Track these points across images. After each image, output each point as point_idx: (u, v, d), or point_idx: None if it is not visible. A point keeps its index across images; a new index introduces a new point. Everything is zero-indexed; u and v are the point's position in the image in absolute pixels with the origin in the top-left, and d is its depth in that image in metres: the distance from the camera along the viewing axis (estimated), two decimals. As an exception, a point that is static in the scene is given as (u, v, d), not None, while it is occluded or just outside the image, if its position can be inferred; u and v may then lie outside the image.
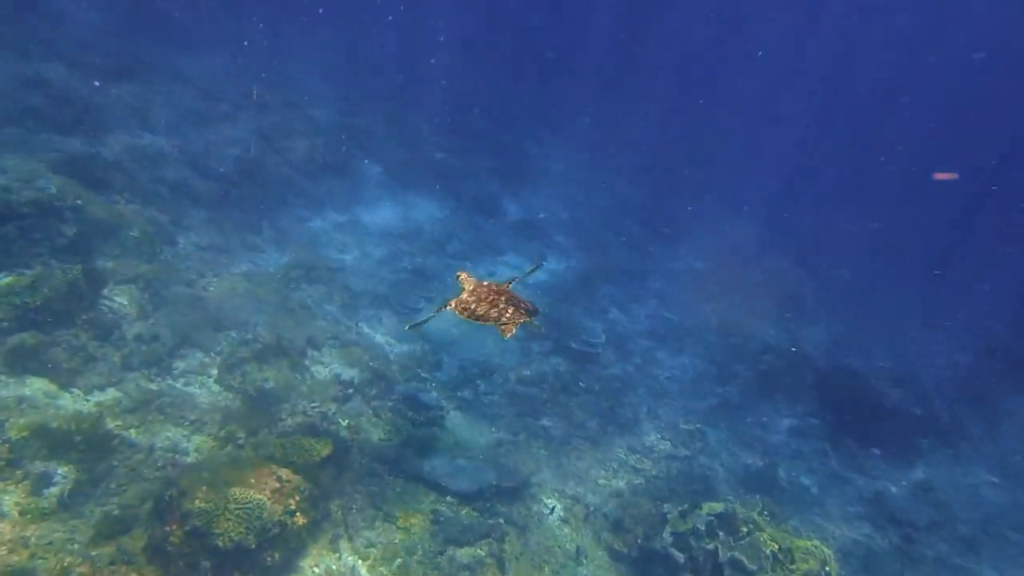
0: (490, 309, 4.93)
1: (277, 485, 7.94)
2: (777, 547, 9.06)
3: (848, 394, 15.78)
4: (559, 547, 9.87)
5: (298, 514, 7.93)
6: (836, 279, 24.53)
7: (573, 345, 14.06)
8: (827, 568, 8.95)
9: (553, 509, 10.33)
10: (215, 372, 10.54)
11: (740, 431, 14.20)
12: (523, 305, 5.06)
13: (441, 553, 8.98)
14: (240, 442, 9.39)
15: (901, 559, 12.36)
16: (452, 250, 16.71)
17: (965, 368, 20.88)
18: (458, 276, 5.55)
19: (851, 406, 15.65)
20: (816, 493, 13.33)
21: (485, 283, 5.29)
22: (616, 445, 12.35)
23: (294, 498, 7.96)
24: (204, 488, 7.52)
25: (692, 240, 23.37)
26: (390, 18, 29.65)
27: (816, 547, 9.22)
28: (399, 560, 8.70)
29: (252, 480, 7.83)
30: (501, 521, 9.79)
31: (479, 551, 9.25)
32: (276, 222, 15.09)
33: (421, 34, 31.84)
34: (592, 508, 10.69)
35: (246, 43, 22.09)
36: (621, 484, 11.46)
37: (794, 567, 8.94)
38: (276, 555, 7.62)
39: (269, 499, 7.72)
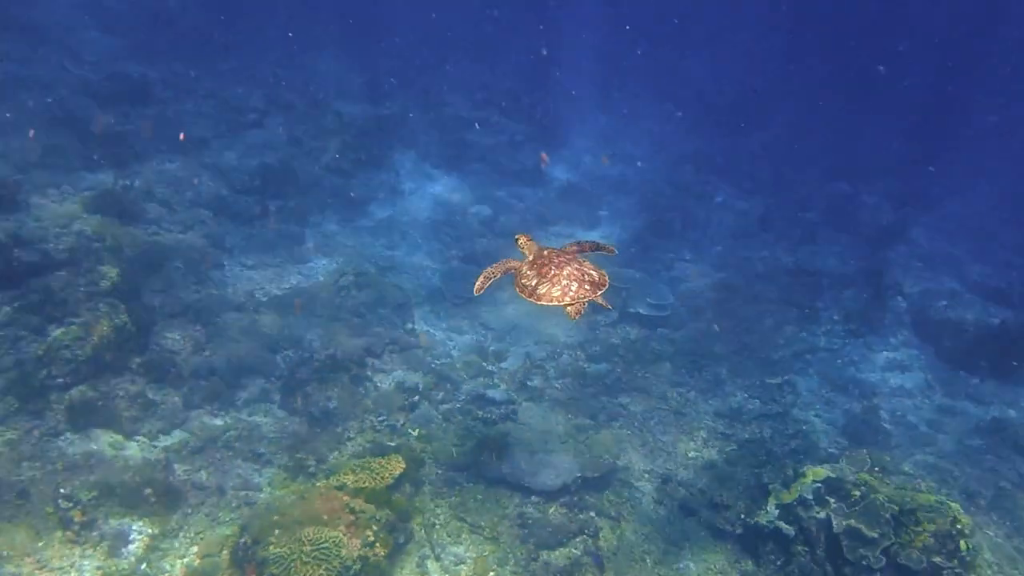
0: (552, 288, 4.22)
1: (351, 517, 7.57)
2: (897, 508, 8.21)
3: (948, 319, 14.51)
4: (657, 533, 9.28)
5: (377, 545, 7.56)
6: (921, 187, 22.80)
7: (640, 310, 13.26)
8: (958, 525, 8.05)
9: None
10: (277, 397, 10.27)
11: (832, 375, 13.21)
12: (588, 276, 4.32)
13: (535, 559, 8.51)
14: (311, 469, 9.11)
15: (1033, 492, 11.29)
16: (500, 228, 16.00)
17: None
18: (517, 240, 4.86)
19: (950, 331, 14.40)
20: (926, 431, 12.30)
21: (546, 250, 4.56)
22: (702, 412, 11.60)
23: (371, 528, 7.58)
24: (277, 532, 7.21)
25: (748, 177, 22.00)
26: None
27: (940, 502, 8.32)
28: (492, 573, 8.28)
29: (324, 516, 7.48)
30: (592, 515, 9.25)
31: (574, 550, 8.75)
32: (319, 228, 14.70)
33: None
34: (686, 485, 10.03)
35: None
36: (713, 454, 10.74)
37: (920, 528, 8.08)
38: (362, 591, 7.29)
39: (345, 534, 7.36)
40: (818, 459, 10.68)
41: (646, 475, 10.20)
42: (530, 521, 8.91)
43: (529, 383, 11.33)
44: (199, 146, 15.44)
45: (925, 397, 13.20)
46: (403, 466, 8.73)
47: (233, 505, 8.46)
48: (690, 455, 10.69)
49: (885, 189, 22.59)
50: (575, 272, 4.30)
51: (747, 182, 22.21)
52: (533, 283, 4.30)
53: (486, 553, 8.50)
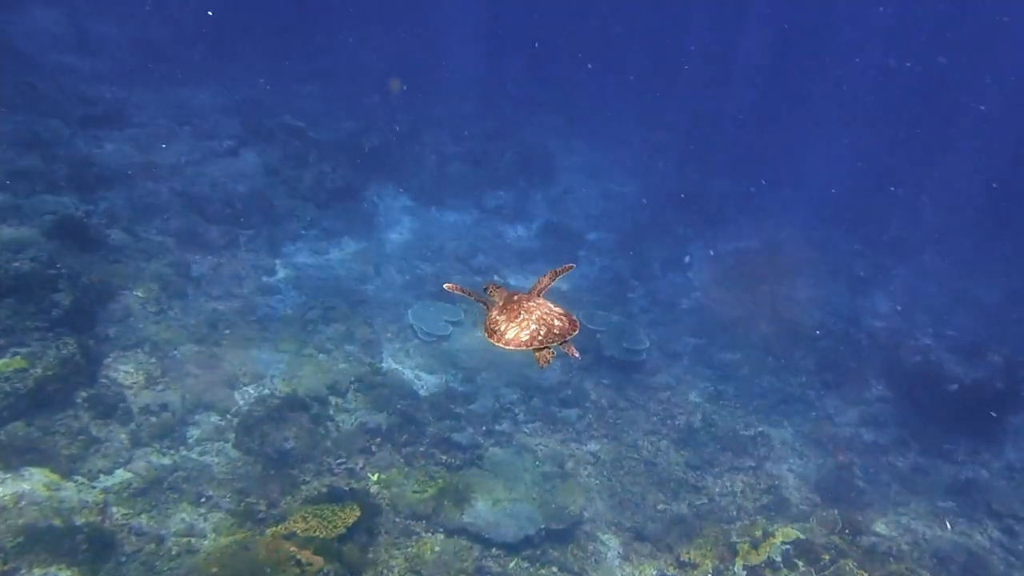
0: (520, 332, 4.09)
1: (297, 571, 7.14)
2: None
3: (920, 374, 14.37)
4: (622, 592, 8.90)
5: (325, 599, 7.12)
6: (888, 245, 22.92)
7: (614, 355, 12.99)
8: (932, 597, 7.77)
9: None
10: (232, 436, 9.82)
11: (805, 428, 12.97)
12: (558, 323, 4.18)
13: (491, 618, 8.09)
14: (261, 515, 8.64)
15: (1006, 556, 11.04)
16: (477, 265, 15.77)
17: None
18: (486, 289, 4.69)
19: (925, 387, 14.25)
20: (899, 490, 12.05)
21: (516, 296, 4.45)
22: (673, 463, 11.28)
23: (318, 582, 7.14)
24: (215, 585, 6.76)
25: (732, 223, 21.97)
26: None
27: (912, 571, 8.04)
28: (445, 632, 7.84)
29: (268, 569, 7.04)
30: (555, 570, 8.86)
31: (533, 609, 8.34)
32: (291, 258, 14.37)
33: (430, 38, 31.07)
34: (654, 540, 9.66)
35: (262, 81, 21.45)
36: (683, 508, 10.40)
37: (892, 599, 7.79)
38: (303, 652, 6.83)
39: (290, 589, 6.92)
40: (789, 516, 10.41)
41: (612, 528, 9.83)
42: (489, 576, 8.50)
43: (497, 427, 10.98)
44: (171, 173, 15.13)
45: (899, 454, 12.98)
46: (357, 514, 8.32)
47: (173, 553, 7.96)
48: (659, 507, 10.34)
49: (866, 236, 22.72)
50: (544, 317, 4.17)
51: (731, 226, 22.21)
52: (501, 328, 4.20)
53: (441, 611, 8.07)
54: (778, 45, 34.90)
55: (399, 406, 10.78)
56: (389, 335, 12.60)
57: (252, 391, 10.57)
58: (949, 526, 11.30)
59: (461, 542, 8.89)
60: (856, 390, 14.56)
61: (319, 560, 7.32)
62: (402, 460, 9.87)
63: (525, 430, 11.07)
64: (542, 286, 4.65)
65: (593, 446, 11.13)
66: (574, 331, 4.20)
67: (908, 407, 14.14)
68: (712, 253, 19.91)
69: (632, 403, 12.24)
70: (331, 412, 10.52)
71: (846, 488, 11.57)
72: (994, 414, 13.63)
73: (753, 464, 11.47)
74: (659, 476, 10.86)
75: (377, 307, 13.33)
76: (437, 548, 8.72)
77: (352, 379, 11.15)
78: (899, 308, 18.90)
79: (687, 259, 18.26)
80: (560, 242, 17.81)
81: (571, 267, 4.85)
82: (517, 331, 4.11)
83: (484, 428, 10.84)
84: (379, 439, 10.08)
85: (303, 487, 9.21)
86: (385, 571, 8.29)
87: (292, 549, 7.39)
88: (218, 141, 16.55)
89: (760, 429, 12.31)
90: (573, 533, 9.47)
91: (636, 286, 16.81)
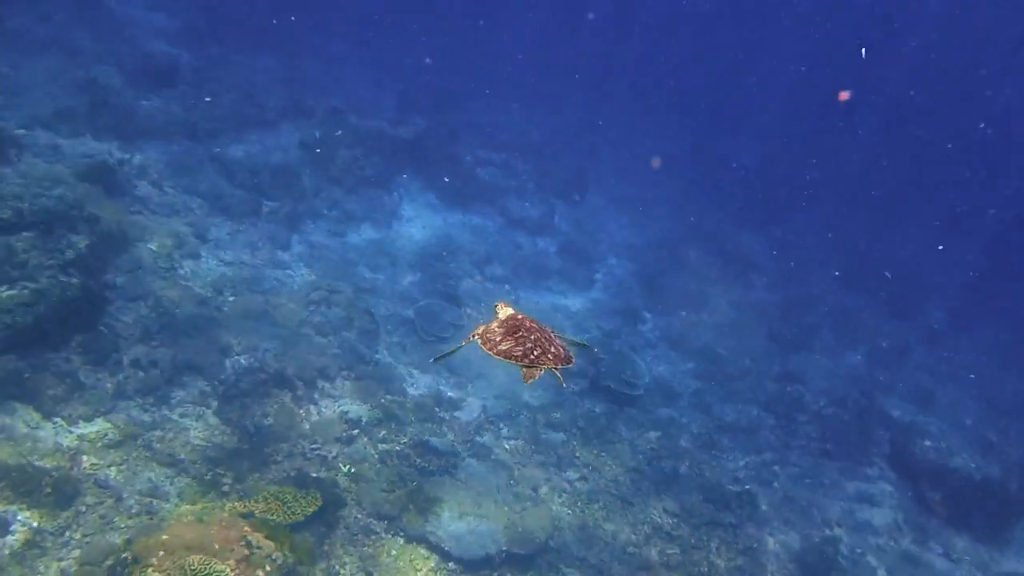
0: (515, 346, 4.18)
1: (246, 552, 7.05)
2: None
3: (927, 460, 13.86)
4: (574, 630, 8.67)
5: (268, 585, 7.02)
6: (920, 326, 22.24)
7: (611, 384, 12.77)
8: None
9: None
10: (215, 403, 9.81)
11: (797, 495, 12.57)
12: (553, 350, 4.26)
13: (434, 633, 7.93)
14: (225, 488, 8.61)
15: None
16: (491, 273, 15.67)
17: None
18: (495, 306, 4.77)
19: (930, 474, 13.74)
20: None
21: (521, 315, 4.52)
22: (651, 505, 11.00)
23: (264, 568, 7.05)
24: (161, 554, 6.70)
25: (759, 270, 21.56)
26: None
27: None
28: (384, 639, 7.70)
29: (217, 546, 6.97)
30: (509, 596, 8.67)
31: (479, 632, 8.16)
32: (308, 236, 14.42)
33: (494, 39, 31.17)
34: (616, 583, 9.42)
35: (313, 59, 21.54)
36: (653, 554, 10.13)
37: None
38: (235, 636, 6.74)
39: (234, 569, 6.84)
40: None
41: (577, 563, 9.60)
42: (441, 590, 8.34)
43: (478, 438, 10.83)
44: (209, 135, 15.31)
45: (891, 539, 12.51)
46: (319, 504, 8.25)
47: (133, 511, 7.96)
48: (629, 550, 10.08)
49: (902, 312, 22.09)
50: (543, 339, 4.28)
51: (753, 273, 21.79)
52: (497, 338, 4.29)
53: (385, 616, 7.93)
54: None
55: (384, 400, 10.69)
56: (389, 328, 12.55)
57: (243, 361, 10.57)
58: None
59: (419, 551, 8.75)
60: (856, 466, 14.10)
61: (270, 545, 7.23)
62: (376, 456, 9.77)
63: (506, 446, 10.91)
64: (552, 331, 4.67)
65: (572, 474, 10.91)
66: (567, 364, 4.25)
67: (909, 493, 13.66)
68: (730, 300, 19.57)
69: (620, 437, 12.00)
70: (316, 396, 10.47)
71: (827, 565, 11.17)
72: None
73: (734, 522, 11.14)
74: (634, 517, 10.60)
75: (383, 298, 13.30)
76: (393, 552, 8.59)
77: (343, 366, 11.10)
78: (917, 387, 18.32)
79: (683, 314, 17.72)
80: (578, 264, 17.64)
81: (585, 344, 4.95)
82: (512, 344, 4.20)
83: (465, 437, 10.69)
84: (357, 431, 10.00)
85: (273, 467, 9.17)
86: (337, 567, 8.18)
87: (246, 529, 7.32)
88: (260, 110, 16.70)
89: (748, 487, 11.97)
90: (536, 561, 9.26)
91: (648, 319, 16.55)
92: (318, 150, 15.62)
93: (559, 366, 4.21)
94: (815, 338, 18.80)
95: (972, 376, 19.93)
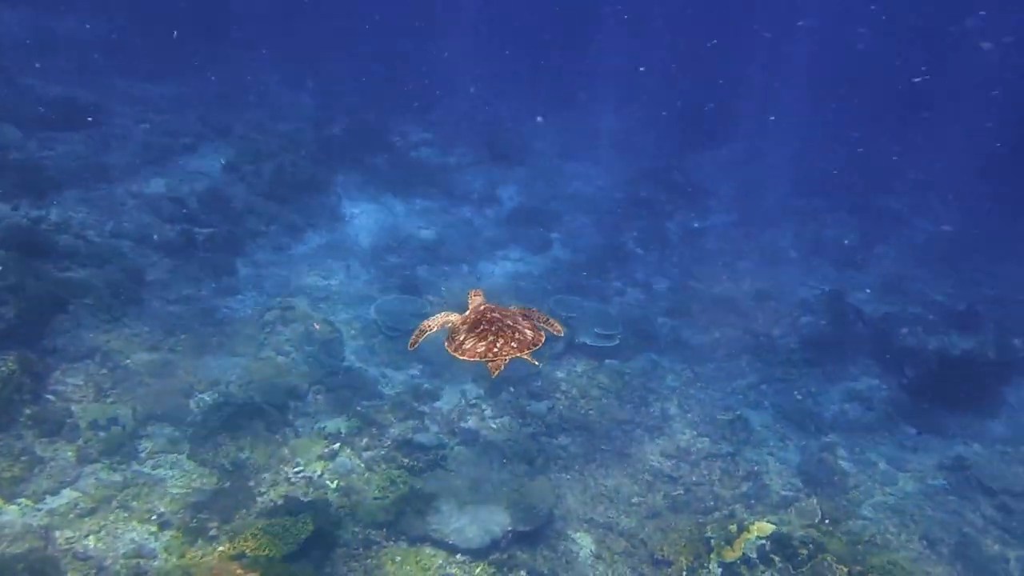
0: (477, 343, 4.25)
1: (242, 594, 6.80)
2: (846, 571, 7.60)
3: (908, 347, 14.02)
4: (594, 592, 8.60)
5: (272, 623, 6.79)
6: (872, 212, 22.43)
7: (587, 341, 12.62)
8: (911, 588, 7.47)
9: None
10: (187, 447, 9.44)
11: (788, 409, 12.63)
12: (519, 336, 4.31)
13: (454, 628, 7.79)
14: (213, 532, 8.29)
15: (1001, 534, 10.71)
16: (445, 254, 15.33)
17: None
18: (469, 293, 4.89)
19: (913, 360, 13.90)
20: (887, 469, 11.73)
21: (484, 306, 4.59)
22: (648, 452, 10.95)
23: (265, 605, 6.81)
24: (153, 616, 6.42)
25: (712, 196, 21.51)
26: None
27: (894, 564, 7.73)
28: (406, 646, 7.54)
29: (211, 595, 6.70)
30: (523, 574, 8.55)
31: (499, 617, 8.04)
32: (252, 257, 13.92)
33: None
34: (628, 536, 9.35)
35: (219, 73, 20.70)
36: (658, 500, 10.09)
37: (871, 593, 7.48)
38: None
39: (233, 614, 6.59)
40: (770, 504, 10.11)
41: (585, 525, 9.51)
42: (453, 585, 8.18)
43: (463, 424, 10.62)
44: (126, 173, 14.62)
45: (886, 431, 12.65)
46: (310, 528, 7.99)
47: (122, 576, 7.64)
48: (633, 501, 10.02)
49: (850, 206, 22.26)
50: (506, 330, 4.30)
51: (711, 200, 21.75)
52: (460, 337, 4.35)
53: (401, 624, 7.76)
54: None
55: (360, 407, 10.41)
56: (353, 332, 12.22)
57: (208, 399, 10.19)
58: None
59: (424, 550, 8.56)
60: (841, 367, 14.21)
61: (266, 581, 6.98)
62: (363, 465, 9.52)
63: (492, 426, 10.72)
64: (522, 311, 4.77)
65: (564, 439, 10.79)
66: (536, 345, 4.33)
67: (895, 382, 13.80)
68: (695, 226, 19.51)
69: (605, 391, 11.88)
70: (290, 417, 10.15)
71: (829, 471, 11.25)
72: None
73: (731, 450, 11.15)
74: (632, 467, 10.54)
75: (341, 303, 12.93)
76: (398, 558, 8.39)
77: (312, 381, 10.77)
78: (886, 277, 18.51)
79: (639, 251, 17.45)
80: (531, 227, 17.37)
81: (560, 331, 4.91)
82: (475, 342, 4.24)
83: (450, 425, 10.47)
84: (339, 444, 9.72)
85: (259, 500, 8.87)
86: (343, 585, 7.96)
87: (239, 572, 7.05)
88: (175, 138, 16.00)
89: (738, 413, 11.97)
90: (543, 533, 9.15)
91: (611, 268, 16.39)
92: (244, 167, 15.03)
93: (526, 351, 4.25)
94: (780, 252, 18.87)
95: (937, 257, 20.23)
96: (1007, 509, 11.15)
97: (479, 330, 4.32)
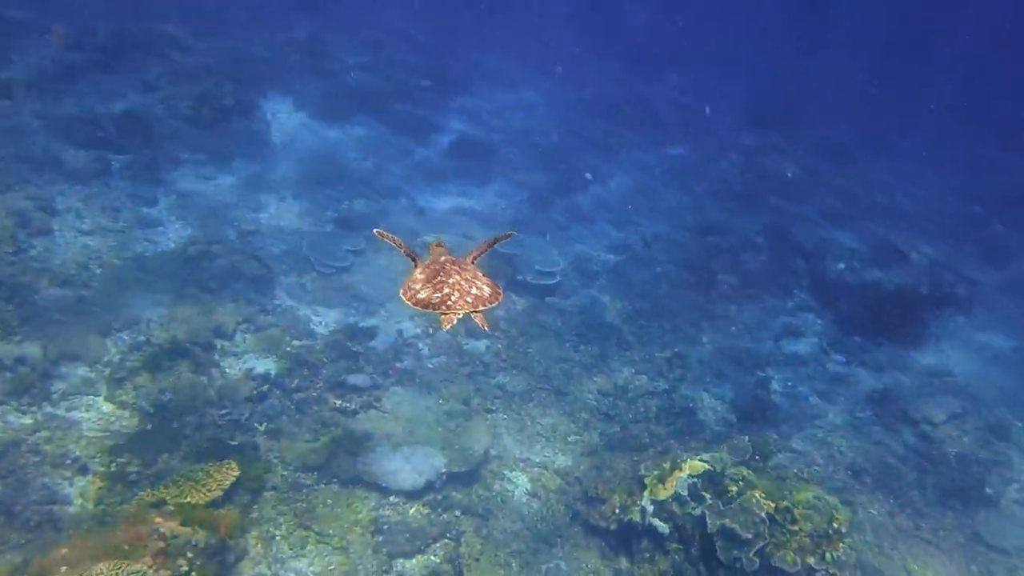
0: (432, 293, 4.18)
1: (160, 545, 6.51)
2: (773, 507, 7.78)
3: (843, 282, 14.27)
4: (528, 530, 8.64)
5: (194, 573, 6.55)
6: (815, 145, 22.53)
7: (528, 278, 12.38)
8: (835, 523, 7.71)
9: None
10: (104, 388, 8.94)
11: (725, 345, 12.78)
12: (475, 291, 4.23)
13: (387, 570, 7.73)
14: (133, 477, 7.93)
15: (920, 462, 11.23)
16: (384, 186, 14.70)
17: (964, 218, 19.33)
18: (431, 245, 4.73)
19: (847, 294, 14.18)
20: (817, 403, 12.08)
21: (444, 257, 4.51)
22: (585, 390, 10.94)
23: (186, 555, 6.55)
24: (63, 570, 6.10)
25: (660, 128, 21.17)
26: None
27: (819, 498, 7.95)
28: (337, 588, 7.45)
29: (126, 546, 6.40)
30: (458, 514, 8.52)
31: (433, 557, 8.01)
32: (174, 186, 13.03)
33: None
34: (563, 474, 9.40)
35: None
36: (595, 437, 10.14)
37: (796, 527, 7.69)
38: (171, 632, 6.32)
39: (151, 566, 6.31)
40: (704, 439, 10.28)
41: (521, 464, 9.51)
42: (386, 526, 8.09)
43: (399, 364, 10.36)
44: (35, 90, 13.38)
45: (819, 365, 12.97)
46: (236, 473, 7.71)
47: (31, 524, 7.24)
48: (570, 439, 10.05)
49: (791, 136, 22.27)
50: (462, 283, 4.21)
51: (658, 132, 21.44)
52: (416, 287, 4.26)
53: (332, 566, 7.64)
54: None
55: (291, 348, 10.02)
56: (283, 268, 11.66)
57: (127, 337, 9.62)
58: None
59: (356, 492, 8.41)
60: (779, 301, 14.42)
61: (186, 531, 6.71)
62: (293, 407, 9.21)
63: (429, 366, 10.50)
64: (478, 252, 4.72)
65: (502, 378, 10.66)
66: (493, 303, 4.29)
67: (830, 316, 14.10)
68: (642, 158, 19.21)
69: (544, 329, 11.76)
70: (216, 358, 9.69)
71: (762, 405, 11.50)
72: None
73: (668, 387, 11.24)
74: (570, 406, 10.53)
75: (271, 238, 12.30)
76: (330, 501, 8.23)
77: (240, 320, 10.28)
78: (826, 209, 18.72)
79: (588, 176, 17.24)
80: (473, 159, 16.77)
81: (511, 234, 4.90)
82: (429, 292, 4.18)
83: (385, 367, 10.20)
84: (268, 386, 9.36)
85: (183, 443, 8.49)
86: (271, 530, 7.77)
87: (157, 520, 6.75)
88: (84, 53, 14.66)
89: (677, 349, 12.05)
90: (479, 473, 9.10)
91: (555, 201, 16.06)
92: (164, 87, 13.90)
93: (480, 307, 4.19)
94: (726, 184, 18.80)
95: (876, 193, 20.56)
96: (927, 438, 11.67)
97: (436, 281, 4.22)
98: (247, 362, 9.71)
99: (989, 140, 25.58)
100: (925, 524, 10.12)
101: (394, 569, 7.77)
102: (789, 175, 20.08)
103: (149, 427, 8.58)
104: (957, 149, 25.59)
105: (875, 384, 12.73)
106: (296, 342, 10.20)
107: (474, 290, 4.19)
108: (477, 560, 8.06)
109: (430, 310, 4.11)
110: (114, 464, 8.03)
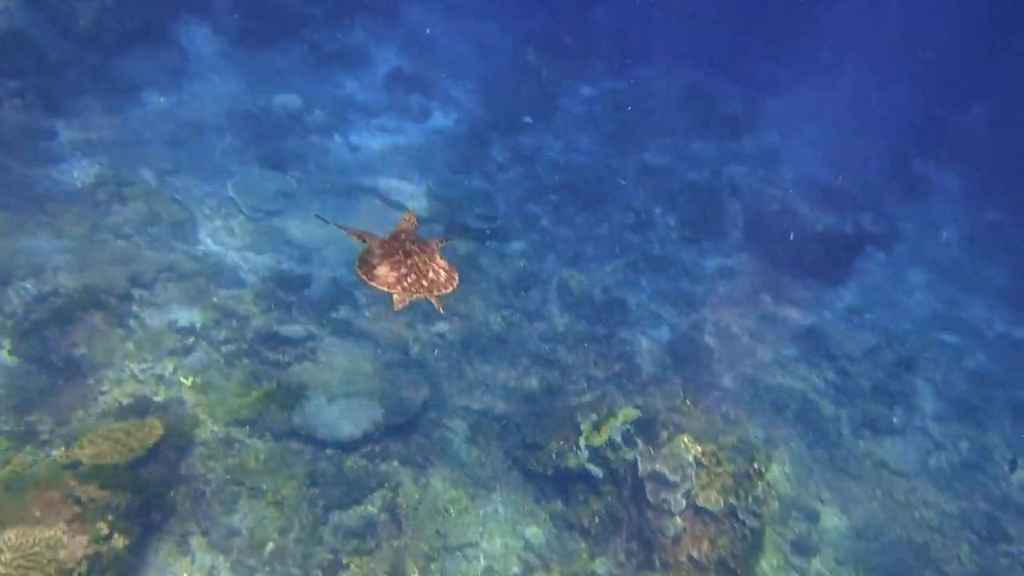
0: (389, 271, 4.16)
1: (76, 510, 6.17)
2: (700, 451, 7.98)
3: (776, 223, 14.49)
4: (467, 476, 8.65)
5: (116, 536, 6.26)
6: (759, 82, 22.47)
7: (468, 222, 12.07)
8: (755, 464, 8.00)
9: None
10: (7, 342, 8.29)
11: (662, 288, 12.90)
12: (431, 275, 4.23)
13: (323, 523, 7.61)
14: (45, 436, 7.46)
15: (837, 396, 11.78)
16: (313, 123, 13.89)
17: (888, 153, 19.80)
18: (404, 215, 4.73)
19: (779, 235, 14.44)
20: (748, 342, 12.40)
21: (405, 235, 4.46)
22: (526, 335, 10.89)
23: (105, 519, 6.23)
24: (-32, 543, 5.71)
25: (603, 60, 20.67)
26: None
27: (743, 441, 8.22)
28: (271, 544, 7.30)
29: (38, 512, 6.03)
30: (396, 464, 8.42)
31: (370, 508, 7.94)
32: (77, 119, 11.93)
33: None
34: (502, 420, 9.39)
35: None
36: (534, 383, 10.14)
37: (720, 470, 7.94)
38: (95, 598, 6.05)
39: (66, 532, 5.98)
40: (639, 383, 10.43)
41: (461, 411, 9.44)
42: (322, 479, 7.92)
43: (335, 314, 10.00)
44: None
45: (751, 305, 13.26)
46: (160, 431, 7.33)
47: (-68, 493, 6.75)
48: (510, 385, 10.02)
49: (736, 78, 22.11)
50: (419, 264, 4.21)
51: (597, 64, 20.92)
52: (374, 262, 4.20)
53: (266, 521, 7.46)
54: None
55: (217, 297, 9.50)
56: (207, 211, 10.97)
57: (31, 287, 8.89)
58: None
59: (291, 446, 8.18)
60: (715, 243, 14.58)
61: (104, 494, 6.37)
62: (222, 360, 8.80)
63: (367, 315, 10.18)
64: (445, 239, 4.66)
65: (441, 326, 10.46)
66: (448, 289, 4.26)
67: (763, 257, 14.35)
68: (585, 93, 18.79)
69: (484, 275, 11.55)
70: (134, 308, 9.09)
71: (695, 348, 11.72)
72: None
73: (606, 332, 11.29)
74: (510, 352, 10.46)
75: (192, 178, 11.49)
76: (263, 455, 7.97)
77: (160, 267, 9.64)
78: (763, 150, 18.83)
79: (527, 119, 16.76)
80: (411, 93, 16.04)
81: (455, 236, 4.76)
82: (387, 270, 4.13)
83: (320, 317, 9.83)
84: (193, 338, 8.88)
85: (100, 399, 8.02)
86: (201, 486, 7.48)
87: (71, 484, 6.37)
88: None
89: (616, 295, 12.06)
90: (417, 423, 8.98)
91: (496, 140, 15.60)
92: (53, 4, 12.46)
93: (436, 292, 4.18)
94: (667, 120, 18.61)
95: (808, 128, 20.75)
96: (845, 373, 12.20)
97: (394, 259, 4.20)
98: (169, 313, 9.16)
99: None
100: (838, 454, 10.68)
101: (330, 521, 7.65)
102: (728, 112, 20.02)
103: (61, 382, 8.05)
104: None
105: (802, 323, 13.15)
106: (223, 291, 9.67)
107: (431, 274, 4.18)
108: (416, 509, 8.03)
109: (385, 289, 4.07)
110: (22, 424, 7.53)
